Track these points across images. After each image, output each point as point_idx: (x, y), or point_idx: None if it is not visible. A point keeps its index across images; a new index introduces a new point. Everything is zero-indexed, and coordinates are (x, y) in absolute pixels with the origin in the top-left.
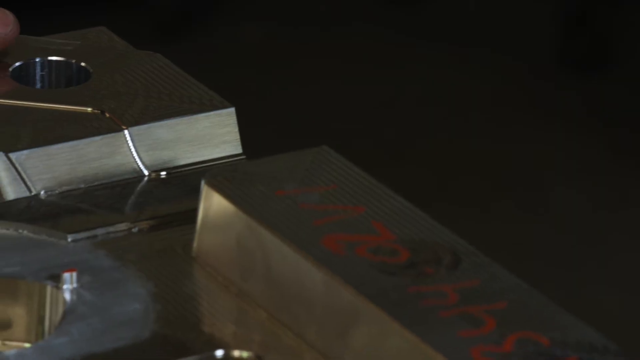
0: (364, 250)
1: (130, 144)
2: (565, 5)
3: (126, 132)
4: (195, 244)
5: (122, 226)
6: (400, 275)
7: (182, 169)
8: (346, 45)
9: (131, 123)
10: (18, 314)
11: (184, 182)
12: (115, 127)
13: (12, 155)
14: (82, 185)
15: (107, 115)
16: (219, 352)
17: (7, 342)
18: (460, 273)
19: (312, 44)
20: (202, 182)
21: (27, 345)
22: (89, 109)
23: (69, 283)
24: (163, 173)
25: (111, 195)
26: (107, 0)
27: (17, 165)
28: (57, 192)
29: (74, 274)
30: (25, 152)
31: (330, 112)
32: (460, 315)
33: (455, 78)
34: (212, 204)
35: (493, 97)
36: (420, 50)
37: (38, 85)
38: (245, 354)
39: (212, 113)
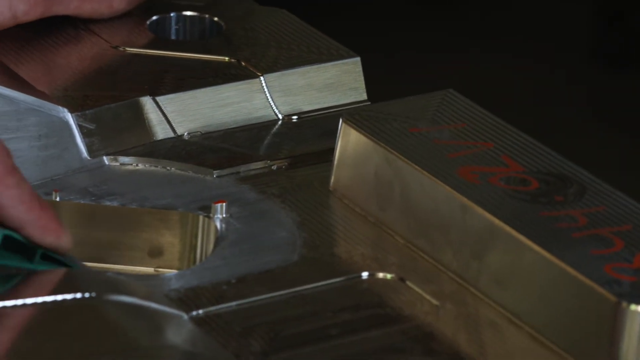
0: (496, 180)
1: (266, 89)
2: (600, 2)
3: (262, 78)
4: (332, 178)
5: (262, 164)
6: (532, 202)
7: (312, 114)
8: (387, 42)
9: (266, 70)
10: (171, 242)
11: (315, 125)
12: (251, 74)
13: (159, 99)
14: (222, 128)
15: (243, 64)
16: (365, 274)
17: (160, 269)
18: (587, 200)
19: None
20: (340, 121)
21: None
22: (226, 58)
23: (220, 213)
24: (295, 117)
25: (249, 136)
26: None
27: (163, 108)
28: (199, 133)
29: (224, 204)
30: (170, 95)
31: None
32: (590, 236)
33: (489, 76)
34: (350, 140)
35: (529, 94)
36: (457, 48)
37: (173, 38)
38: (388, 275)
39: (339, 62)
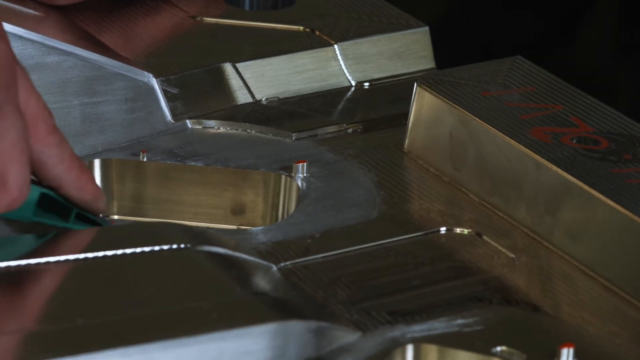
0: (567, 139)
1: (339, 57)
2: None
3: (336, 46)
4: (407, 140)
5: (338, 127)
6: (603, 160)
7: (383, 81)
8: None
9: (339, 39)
10: (253, 201)
11: (386, 91)
12: (325, 43)
13: (238, 65)
14: (298, 93)
15: (317, 33)
16: (443, 229)
17: (242, 227)
18: None
19: None
20: (415, 85)
21: None
22: (300, 28)
23: (301, 172)
24: (366, 84)
25: (324, 102)
26: None
27: (242, 74)
28: (276, 98)
29: (305, 164)
30: (249, 62)
31: None
32: None
33: None
34: (424, 103)
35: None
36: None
37: (247, 9)
38: (465, 230)
39: (409, 31)
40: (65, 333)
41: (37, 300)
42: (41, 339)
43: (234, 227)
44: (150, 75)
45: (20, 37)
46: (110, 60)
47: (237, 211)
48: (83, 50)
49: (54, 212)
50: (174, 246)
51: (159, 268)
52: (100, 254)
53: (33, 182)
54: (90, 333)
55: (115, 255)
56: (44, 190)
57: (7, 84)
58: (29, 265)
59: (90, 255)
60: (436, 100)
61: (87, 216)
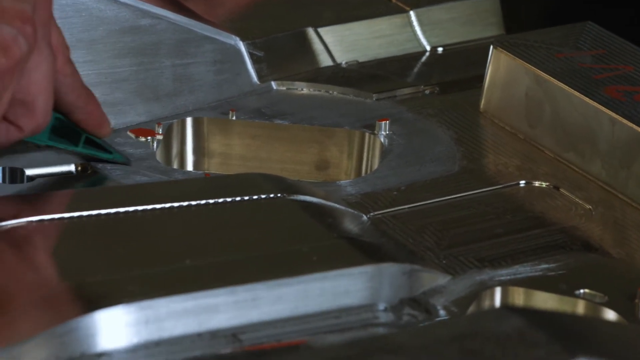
0: None
1: (414, 22)
2: None
3: (411, 12)
4: (482, 101)
5: (415, 89)
6: None
7: (456, 46)
8: None
9: (414, 6)
10: (337, 157)
11: (459, 56)
12: (400, 9)
13: (320, 30)
14: (376, 57)
15: (393, 0)
16: (522, 182)
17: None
18: None
19: None
20: (491, 48)
21: None
22: None
23: (383, 130)
24: (440, 48)
25: (401, 65)
26: None
27: (323, 38)
28: (356, 62)
29: (387, 122)
30: (329, 27)
31: None
32: None
33: None
34: (500, 65)
35: None
36: None
37: None
38: (543, 184)
39: None
40: (175, 273)
41: (148, 243)
42: (154, 278)
43: (319, 181)
44: (237, 38)
45: (115, 1)
46: (200, 23)
47: (322, 167)
48: (174, 14)
49: (65, 137)
50: (271, 195)
51: (257, 215)
52: (203, 201)
53: None
54: (198, 273)
55: (216, 203)
56: (58, 115)
57: (45, 21)
58: (136, 211)
59: (193, 202)
60: (512, 61)
61: (95, 141)
